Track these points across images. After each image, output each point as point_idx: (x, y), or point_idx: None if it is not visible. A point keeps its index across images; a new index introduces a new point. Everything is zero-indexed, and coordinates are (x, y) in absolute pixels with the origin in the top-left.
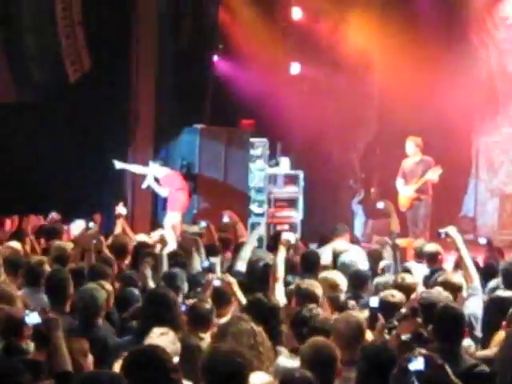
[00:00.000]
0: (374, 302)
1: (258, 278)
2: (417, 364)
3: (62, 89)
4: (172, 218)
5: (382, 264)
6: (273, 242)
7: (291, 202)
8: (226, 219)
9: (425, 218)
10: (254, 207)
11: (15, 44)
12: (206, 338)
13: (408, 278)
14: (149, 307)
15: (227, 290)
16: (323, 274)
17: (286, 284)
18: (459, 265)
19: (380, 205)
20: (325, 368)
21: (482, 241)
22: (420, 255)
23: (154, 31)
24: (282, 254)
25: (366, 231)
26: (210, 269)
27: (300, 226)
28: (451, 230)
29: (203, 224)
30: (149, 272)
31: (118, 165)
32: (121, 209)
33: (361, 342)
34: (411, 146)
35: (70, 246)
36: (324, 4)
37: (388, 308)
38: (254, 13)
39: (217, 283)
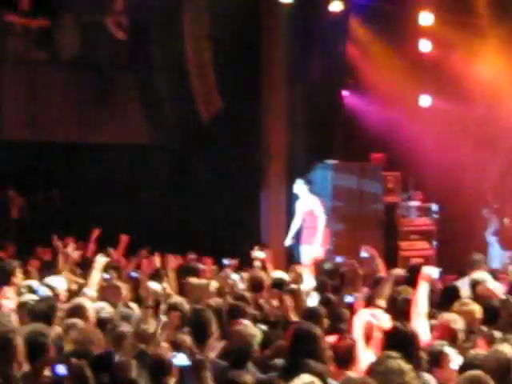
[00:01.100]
0: None
1: (398, 313)
2: None
3: (196, 129)
4: (310, 252)
5: None
6: (410, 276)
7: (424, 235)
8: (364, 254)
9: None
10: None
11: (147, 85)
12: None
13: None
14: (296, 343)
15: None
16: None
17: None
18: None
19: None
20: None
21: None
22: None
23: (284, 70)
24: (423, 288)
25: (503, 262)
26: (353, 304)
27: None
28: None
29: (339, 259)
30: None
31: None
32: (258, 253)
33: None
34: None
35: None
36: (453, 36)
37: None
38: (382, 46)
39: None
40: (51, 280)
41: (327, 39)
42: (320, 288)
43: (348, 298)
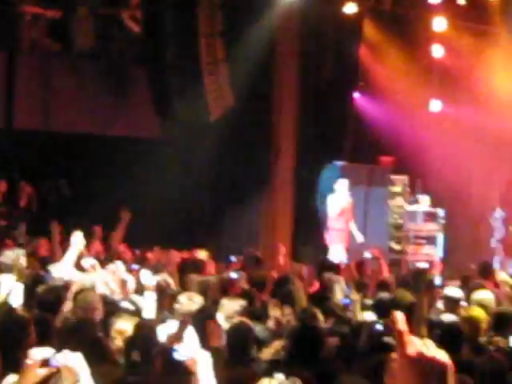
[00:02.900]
0: None
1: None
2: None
3: (205, 125)
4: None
5: None
6: (413, 280)
7: (430, 240)
8: (367, 255)
9: None
10: (392, 244)
11: (159, 80)
12: None
13: None
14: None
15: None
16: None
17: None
18: None
19: None
20: None
21: None
22: None
23: (295, 69)
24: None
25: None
26: (349, 306)
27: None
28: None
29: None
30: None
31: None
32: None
33: None
34: None
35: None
36: (465, 42)
37: None
38: (395, 50)
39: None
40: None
41: (340, 40)
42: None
43: (345, 300)
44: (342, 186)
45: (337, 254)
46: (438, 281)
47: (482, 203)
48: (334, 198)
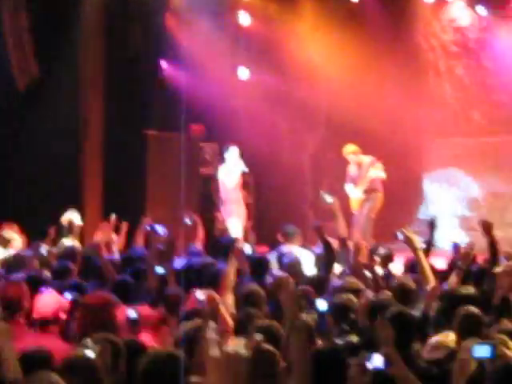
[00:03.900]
0: (323, 305)
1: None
2: (375, 361)
3: (12, 97)
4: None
5: (333, 267)
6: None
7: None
8: (187, 220)
9: (369, 213)
10: (204, 212)
11: None
12: None
13: (356, 282)
14: None
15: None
16: None
17: None
18: (414, 267)
19: (329, 199)
20: None
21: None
22: (373, 257)
23: (102, 37)
24: (234, 263)
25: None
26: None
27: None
28: (408, 232)
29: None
30: None
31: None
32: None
33: None
34: (350, 157)
35: None
36: (272, 10)
37: (339, 311)
38: (202, 18)
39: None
40: None
41: (146, 9)
42: None
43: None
44: (233, 154)
45: (235, 227)
46: (247, 248)
47: (292, 168)
48: (227, 168)
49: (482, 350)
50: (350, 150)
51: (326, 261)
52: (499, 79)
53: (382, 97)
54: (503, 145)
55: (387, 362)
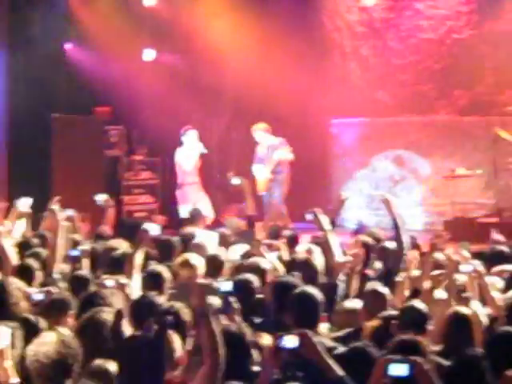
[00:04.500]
0: (227, 286)
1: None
2: (288, 342)
3: None
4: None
5: (238, 248)
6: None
7: (148, 189)
8: (100, 203)
9: (278, 196)
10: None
11: None
12: None
13: (261, 262)
14: None
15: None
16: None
17: None
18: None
19: (236, 180)
20: None
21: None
22: (275, 237)
23: (4, 24)
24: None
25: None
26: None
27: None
28: (317, 212)
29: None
30: None
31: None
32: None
33: None
34: (258, 134)
35: None
36: None
37: (244, 292)
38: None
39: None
40: None
41: None
42: None
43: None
44: (191, 137)
45: (186, 210)
46: (156, 230)
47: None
48: (185, 151)
49: (398, 369)
50: (259, 126)
51: None
52: (404, 59)
53: (288, 78)
54: (410, 125)
55: (300, 342)
